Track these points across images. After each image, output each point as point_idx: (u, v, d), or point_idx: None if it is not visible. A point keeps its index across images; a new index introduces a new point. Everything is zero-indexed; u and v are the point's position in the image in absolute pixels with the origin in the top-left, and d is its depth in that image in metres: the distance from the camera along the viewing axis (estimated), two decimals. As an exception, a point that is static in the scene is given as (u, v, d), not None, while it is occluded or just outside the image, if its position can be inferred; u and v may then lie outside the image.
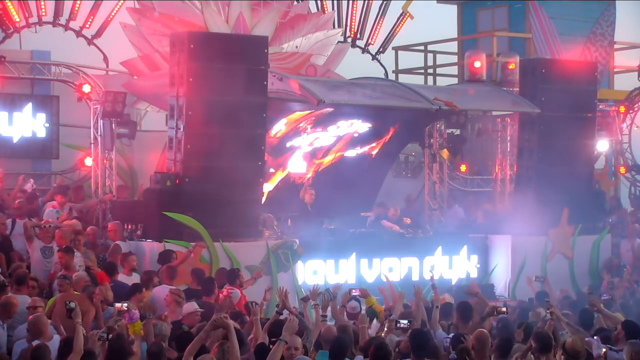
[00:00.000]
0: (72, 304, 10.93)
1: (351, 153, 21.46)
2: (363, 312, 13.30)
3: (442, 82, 26.06)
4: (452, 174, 22.70)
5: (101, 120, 19.59)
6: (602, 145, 23.78)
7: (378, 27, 25.40)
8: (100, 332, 11.17)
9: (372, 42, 25.47)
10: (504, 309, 12.98)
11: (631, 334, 11.86)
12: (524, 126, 21.22)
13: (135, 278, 15.82)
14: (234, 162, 17.60)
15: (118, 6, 21.60)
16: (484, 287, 19.80)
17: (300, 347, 10.80)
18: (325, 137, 20.89)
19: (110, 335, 10.82)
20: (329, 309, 13.20)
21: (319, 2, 24.18)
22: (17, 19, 20.62)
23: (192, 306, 13.47)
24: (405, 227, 20.54)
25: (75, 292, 14.05)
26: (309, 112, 20.07)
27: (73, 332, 10.93)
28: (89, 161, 20.02)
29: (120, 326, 11.55)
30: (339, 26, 24.43)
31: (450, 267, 20.28)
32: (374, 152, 21.63)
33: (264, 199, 18.78)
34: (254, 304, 12.77)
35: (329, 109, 19.68)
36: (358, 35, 25.21)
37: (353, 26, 25.07)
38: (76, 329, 10.78)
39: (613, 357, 11.64)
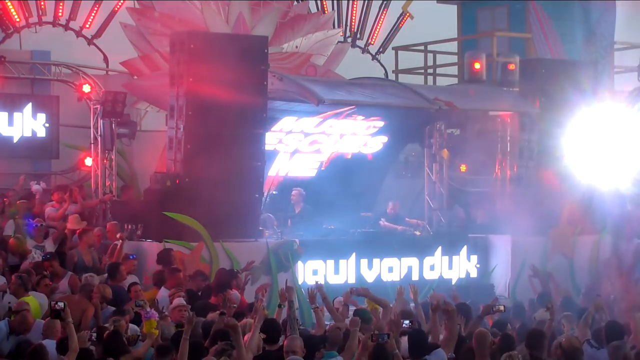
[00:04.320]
0: (61, 304, 10.89)
1: (350, 153, 21.46)
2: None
3: (442, 82, 26.01)
4: (452, 174, 22.67)
5: (101, 120, 19.62)
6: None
7: (378, 27, 25.43)
8: (92, 332, 11.18)
9: (372, 42, 25.50)
10: (501, 307, 12.98)
11: (612, 334, 11.98)
12: (524, 126, 21.24)
13: (133, 278, 15.78)
14: (234, 162, 17.60)
15: (118, 6, 21.63)
16: (484, 287, 19.84)
17: (300, 351, 10.73)
18: (324, 138, 20.88)
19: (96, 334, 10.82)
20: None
21: (319, 2, 24.19)
22: (17, 19, 20.64)
23: (178, 300, 13.49)
24: (409, 225, 20.62)
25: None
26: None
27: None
28: (89, 161, 20.05)
29: (117, 325, 11.58)
30: (339, 26, 24.45)
31: (450, 267, 20.29)
32: (372, 152, 21.63)
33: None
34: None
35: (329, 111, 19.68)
36: (358, 35, 25.23)
37: (353, 26, 25.10)
38: (68, 328, 10.78)
39: (590, 354, 11.76)
